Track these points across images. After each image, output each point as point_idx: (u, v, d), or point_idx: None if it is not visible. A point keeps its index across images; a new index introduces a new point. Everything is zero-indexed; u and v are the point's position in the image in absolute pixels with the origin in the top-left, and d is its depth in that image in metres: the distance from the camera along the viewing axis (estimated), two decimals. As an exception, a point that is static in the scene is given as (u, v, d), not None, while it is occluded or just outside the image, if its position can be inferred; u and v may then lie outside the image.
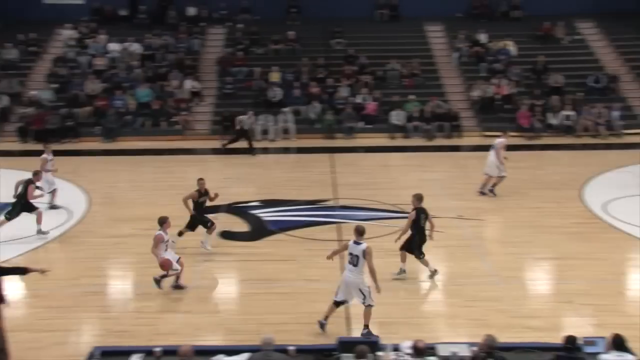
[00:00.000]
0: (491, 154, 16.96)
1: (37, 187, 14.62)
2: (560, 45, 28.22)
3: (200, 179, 13.43)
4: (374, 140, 23.88)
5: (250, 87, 25.92)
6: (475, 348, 8.04)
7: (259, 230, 15.17)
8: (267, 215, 16.11)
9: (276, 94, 25.35)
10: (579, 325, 10.36)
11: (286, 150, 23.30)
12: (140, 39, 27.66)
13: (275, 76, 26.06)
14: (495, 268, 12.85)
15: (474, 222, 15.43)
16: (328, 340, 9.57)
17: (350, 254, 10.17)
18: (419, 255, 12.20)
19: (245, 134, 22.25)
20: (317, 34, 29.04)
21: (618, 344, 7.89)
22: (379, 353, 8.28)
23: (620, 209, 15.96)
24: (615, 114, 24.01)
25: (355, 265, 10.10)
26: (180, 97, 25.17)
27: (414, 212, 12.08)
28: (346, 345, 8.32)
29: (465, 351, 8.28)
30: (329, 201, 17.11)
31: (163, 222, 11.64)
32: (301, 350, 8.56)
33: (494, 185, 17.14)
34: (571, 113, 24.10)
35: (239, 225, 15.45)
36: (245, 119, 22.41)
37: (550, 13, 28.65)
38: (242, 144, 22.14)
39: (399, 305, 11.32)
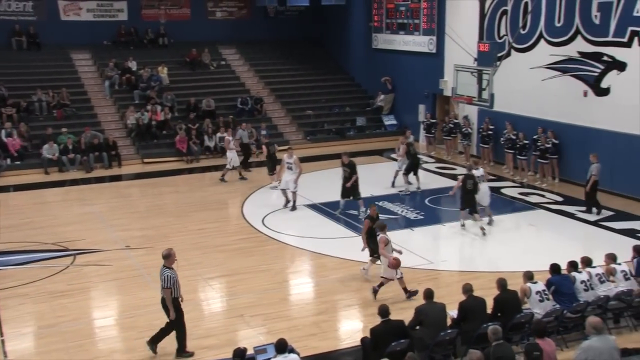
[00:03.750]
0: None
1: None
2: (208, 70, 29.53)
3: None
4: (25, 177, 22.28)
5: None
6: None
7: None
8: None
9: None
10: (251, 337, 10.90)
11: None
12: None
13: None
14: (168, 294, 12.86)
15: (142, 250, 15.25)
16: None
17: None
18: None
19: None
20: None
21: (280, 347, 8.41)
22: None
23: (275, 222, 17.22)
24: (264, 132, 25.88)
25: None
26: None
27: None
28: None
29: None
30: (-22, 249, 15.45)
31: None
32: None
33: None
34: (225, 134, 25.27)
35: None
36: None
37: (195, 39, 29.82)
38: None
39: (69, 350, 10.68)
